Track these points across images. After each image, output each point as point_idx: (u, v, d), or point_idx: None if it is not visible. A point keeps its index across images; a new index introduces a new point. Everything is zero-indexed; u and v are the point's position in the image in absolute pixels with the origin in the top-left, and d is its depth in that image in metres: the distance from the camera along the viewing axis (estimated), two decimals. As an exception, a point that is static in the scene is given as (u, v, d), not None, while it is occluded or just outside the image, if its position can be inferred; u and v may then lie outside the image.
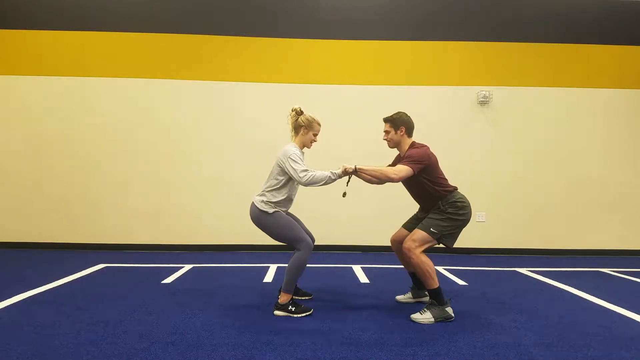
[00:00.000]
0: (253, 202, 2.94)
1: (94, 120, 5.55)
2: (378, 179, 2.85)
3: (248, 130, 5.61)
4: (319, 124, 3.02)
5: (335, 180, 2.82)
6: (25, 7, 5.54)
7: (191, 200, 5.57)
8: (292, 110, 3.00)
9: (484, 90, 5.65)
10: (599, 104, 5.77)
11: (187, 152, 5.60)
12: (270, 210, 2.86)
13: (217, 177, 5.58)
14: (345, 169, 2.82)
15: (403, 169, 2.79)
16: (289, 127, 3.04)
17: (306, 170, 2.79)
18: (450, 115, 5.71)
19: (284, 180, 2.89)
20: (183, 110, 5.61)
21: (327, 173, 2.80)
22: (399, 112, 3.01)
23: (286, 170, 2.83)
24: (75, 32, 5.56)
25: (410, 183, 3.00)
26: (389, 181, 2.83)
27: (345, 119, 5.64)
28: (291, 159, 2.81)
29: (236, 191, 5.50)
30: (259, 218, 2.90)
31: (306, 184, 2.79)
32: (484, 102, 5.67)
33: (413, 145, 2.96)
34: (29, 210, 5.49)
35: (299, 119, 2.97)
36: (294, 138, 3.03)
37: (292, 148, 2.89)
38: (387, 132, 3.01)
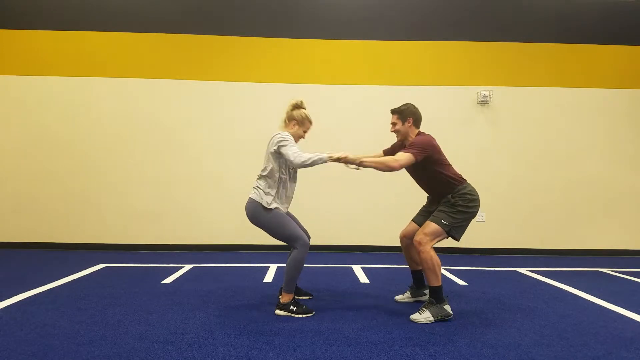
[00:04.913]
0: (249, 196, 2.93)
1: (94, 120, 5.55)
2: (379, 169, 2.78)
3: (248, 131, 5.60)
4: (311, 123, 3.05)
5: (325, 162, 2.77)
6: (25, 7, 5.54)
7: (191, 200, 5.57)
8: (293, 101, 3.02)
9: (484, 90, 5.65)
10: (599, 104, 5.77)
11: (187, 152, 5.60)
12: (270, 205, 2.83)
13: (217, 177, 5.58)
14: (345, 156, 2.75)
15: (403, 156, 2.75)
16: (283, 116, 3.06)
17: (298, 152, 2.76)
18: (450, 115, 5.71)
19: (271, 167, 2.88)
20: (183, 110, 5.61)
21: (320, 156, 2.76)
22: (406, 104, 3.02)
23: (279, 152, 2.82)
24: (76, 32, 5.56)
25: (418, 174, 3.00)
26: (390, 170, 2.73)
27: (345, 119, 5.64)
28: (283, 140, 2.81)
29: (236, 191, 5.49)
30: (256, 213, 2.87)
31: (298, 166, 2.76)
32: (483, 102, 5.67)
33: (418, 134, 2.98)
34: (28, 210, 5.49)
35: (294, 112, 3.00)
36: (282, 127, 3.04)
37: (282, 134, 2.88)
38: (394, 123, 3.01)
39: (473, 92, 5.71)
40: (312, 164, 2.75)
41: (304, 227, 3.13)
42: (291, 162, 2.77)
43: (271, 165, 2.88)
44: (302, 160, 2.73)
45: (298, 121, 2.99)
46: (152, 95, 5.60)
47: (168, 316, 2.76)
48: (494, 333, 2.54)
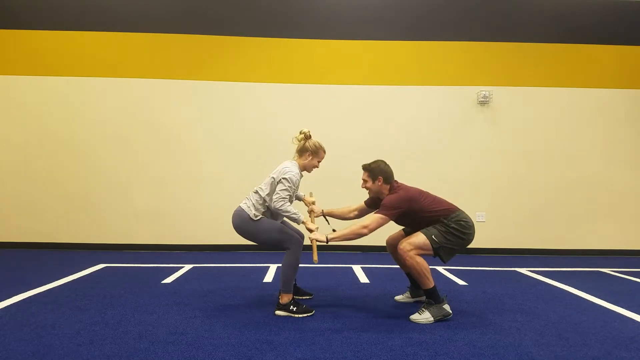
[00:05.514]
0: (239, 205, 2.92)
1: (94, 120, 5.55)
2: (352, 239, 2.78)
3: (248, 131, 5.61)
4: (325, 152, 3.03)
5: (298, 223, 2.84)
6: (25, 7, 5.54)
7: (191, 200, 5.57)
8: (301, 133, 2.98)
9: (484, 90, 5.65)
10: (599, 104, 5.77)
11: (187, 152, 5.59)
12: (255, 217, 2.84)
13: (217, 177, 5.58)
14: (314, 239, 2.76)
15: (373, 220, 2.74)
16: (294, 147, 3.02)
17: (284, 200, 2.77)
18: (450, 115, 5.71)
19: (268, 192, 2.87)
20: (183, 110, 5.61)
21: (297, 216, 2.79)
22: (376, 161, 2.95)
23: (277, 183, 2.82)
24: (76, 32, 5.56)
25: (404, 223, 3.00)
26: (361, 237, 2.75)
27: (345, 119, 5.64)
28: (286, 180, 2.79)
29: (236, 191, 5.48)
30: (241, 222, 2.86)
31: (274, 208, 2.79)
32: (483, 102, 5.67)
33: (391, 189, 2.93)
34: (29, 210, 5.49)
35: (307, 144, 2.96)
36: (296, 158, 3.01)
37: (294, 168, 2.87)
38: (365, 180, 2.97)
39: (473, 92, 5.71)
40: (287, 216, 2.82)
41: (297, 229, 3.13)
42: (273, 200, 2.78)
43: (269, 190, 2.88)
44: (282, 208, 2.76)
45: (312, 152, 2.96)
46: (152, 95, 5.60)
47: (168, 316, 2.76)
48: (494, 333, 2.53)
